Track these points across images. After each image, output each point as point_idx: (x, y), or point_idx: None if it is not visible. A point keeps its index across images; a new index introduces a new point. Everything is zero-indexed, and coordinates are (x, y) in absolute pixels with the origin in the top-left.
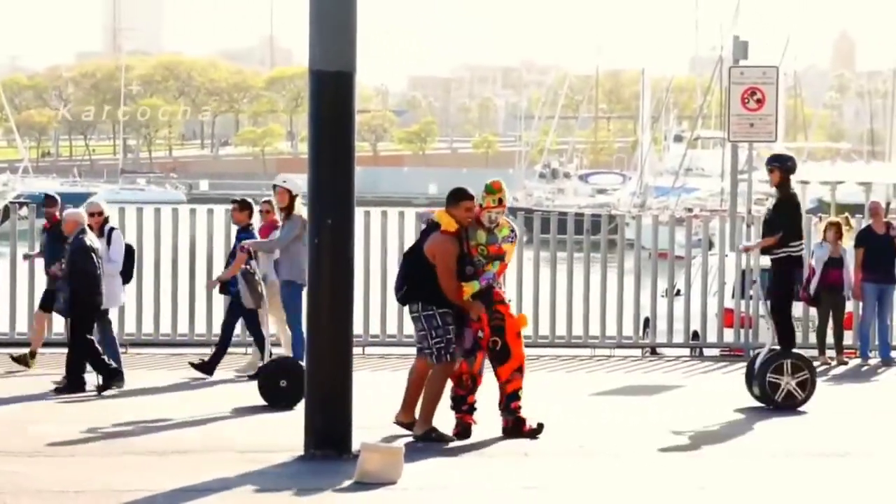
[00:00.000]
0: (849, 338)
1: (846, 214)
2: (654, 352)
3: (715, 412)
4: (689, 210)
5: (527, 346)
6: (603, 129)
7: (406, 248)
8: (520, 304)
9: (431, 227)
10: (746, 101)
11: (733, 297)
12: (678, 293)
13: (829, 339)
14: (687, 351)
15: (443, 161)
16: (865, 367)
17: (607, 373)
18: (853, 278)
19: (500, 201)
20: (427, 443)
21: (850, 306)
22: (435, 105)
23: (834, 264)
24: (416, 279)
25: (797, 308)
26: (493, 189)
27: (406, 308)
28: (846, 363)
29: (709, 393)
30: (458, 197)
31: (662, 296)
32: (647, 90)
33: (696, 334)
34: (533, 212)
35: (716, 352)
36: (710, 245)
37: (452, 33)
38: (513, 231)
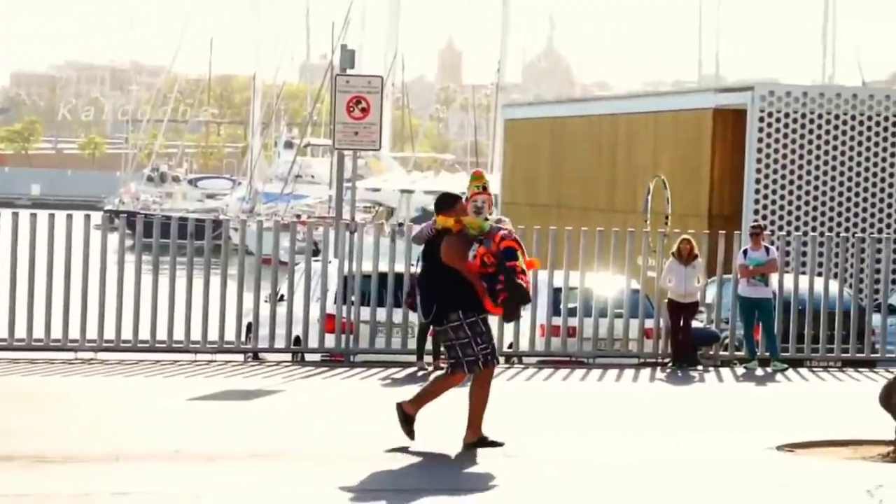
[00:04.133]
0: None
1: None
2: (256, 357)
3: (301, 417)
4: (298, 216)
5: (122, 350)
6: (213, 134)
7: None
8: (121, 309)
9: (436, 237)
10: (351, 109)
11: (335, 302)
12: (281, 298)
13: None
14: (289, 356)
15: (47, 161)
16: None
17: (206, 378)
18: None
19: (485, 188)
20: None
21: None
22: (39, 104)
23: None
24: (447, 291)
25: (397, 314)
26: (476, 176)
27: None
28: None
29: (305, 397)
30: (450, 202)
31: (265, 301)
32: (257, 96)
33: (298, 339)
34: (136, 215)
35: (317, 357)
36: (317, 251)
37: (58, 30)
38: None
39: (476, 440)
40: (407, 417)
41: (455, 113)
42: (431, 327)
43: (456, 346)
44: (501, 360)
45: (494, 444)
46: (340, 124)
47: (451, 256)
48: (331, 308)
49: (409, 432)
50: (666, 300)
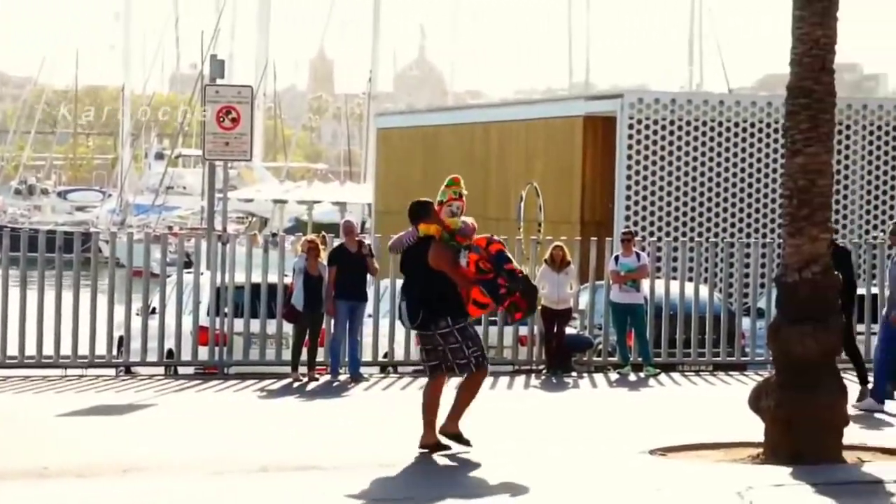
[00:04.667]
0: (320, 354)
1: (323, 233)
2: (128, 371)
3: (175, 430)
4: (170, 228)
5: None
6: (82, 146)
7: None
8: None
9: (418, 244)
10: (222, 119)
11: (208, 314)
12: (153, 311)
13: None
14: (162, 369)
15: None
16: (336, 383)
17: (77, 393)
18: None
19: (460, 195)
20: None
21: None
22: None
23: (315, 281)
24: (435, 297)
25: (272, 325)
26: (453, 182)
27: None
28: (317, 379)
29: (178, 410)
30: (427, 209)
31: (137, 314)
32: (127, 106)
33: (170, 352)
34: (3, 228)
35: (191, 370)
36: (189, 263)
37: None
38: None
39: (451, 434)
40: (454, 437)
41: (328, 122)
42: (307, 338)
43: (446, 350)
44: (376, 370)
45: (467, 442)
46: (211, 135)
47: (440, 262)
48: (204, 320)
49: (467, 441)
50: (539, 307)
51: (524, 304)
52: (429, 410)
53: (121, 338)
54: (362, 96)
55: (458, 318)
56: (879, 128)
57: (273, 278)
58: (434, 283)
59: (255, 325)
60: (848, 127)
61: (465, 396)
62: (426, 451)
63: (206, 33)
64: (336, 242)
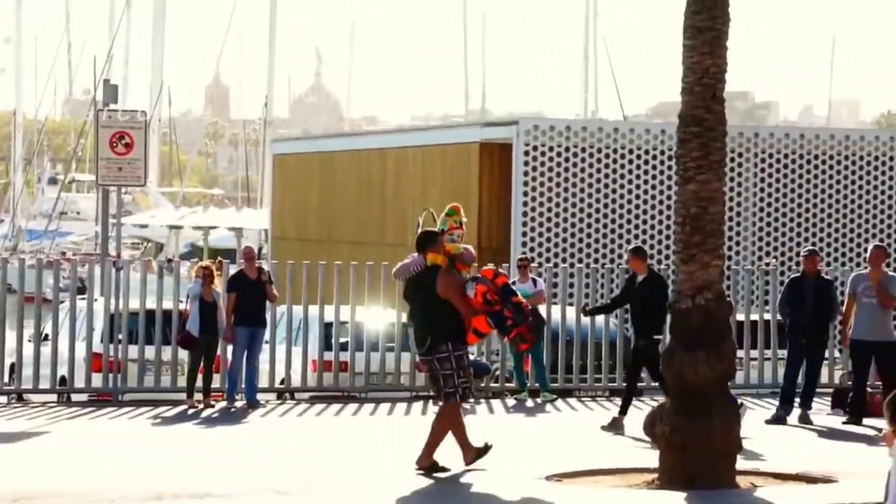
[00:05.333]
0: (216, 380)
1: (219, 259)
2: (20, 398)
3: (67, 458)
4: (64, 254)
5: None
6: None
7: None
8: None
9: (425, 272)
10: (115, 144)
11: (102, 341)
12: (45, 338)
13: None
14: (54, 396)
15: None
16: (233, 410)
17: None
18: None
19: (461, 223)
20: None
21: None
22: None
23: (209, 307)
24: (439, 323)
25: (167, 352)
26: (453, 212)
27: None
28: (213, 406)
29: (71, 438)
30: (434, 239)
31: (29, 340)
32: (19, 131)
33: (63, 379)
34: None
35: (84, 397)
36: (83, 289)
37: None
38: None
39: (429, 465)
40: (432, 468)
41: (224, 148)
42: (203, 364)
43: (438, 376)
44: (273, 396)
45: (443, 469)
46: (104, 160)
47: (449, 290)
48: (97, 347)
49: (444, 468)
50: None
51: (530, 336)
52: (459, 432)
53: (12, 364)
54: (258, 122)
55: (458, 346)
56: (771, 155)
57: (168, 304)
58: (438, 310)
59: (149, 351)
60: (740, 155)
61: (444, 425)
62: (476, 460)
63: (99, 58)
64: (233, 269)
